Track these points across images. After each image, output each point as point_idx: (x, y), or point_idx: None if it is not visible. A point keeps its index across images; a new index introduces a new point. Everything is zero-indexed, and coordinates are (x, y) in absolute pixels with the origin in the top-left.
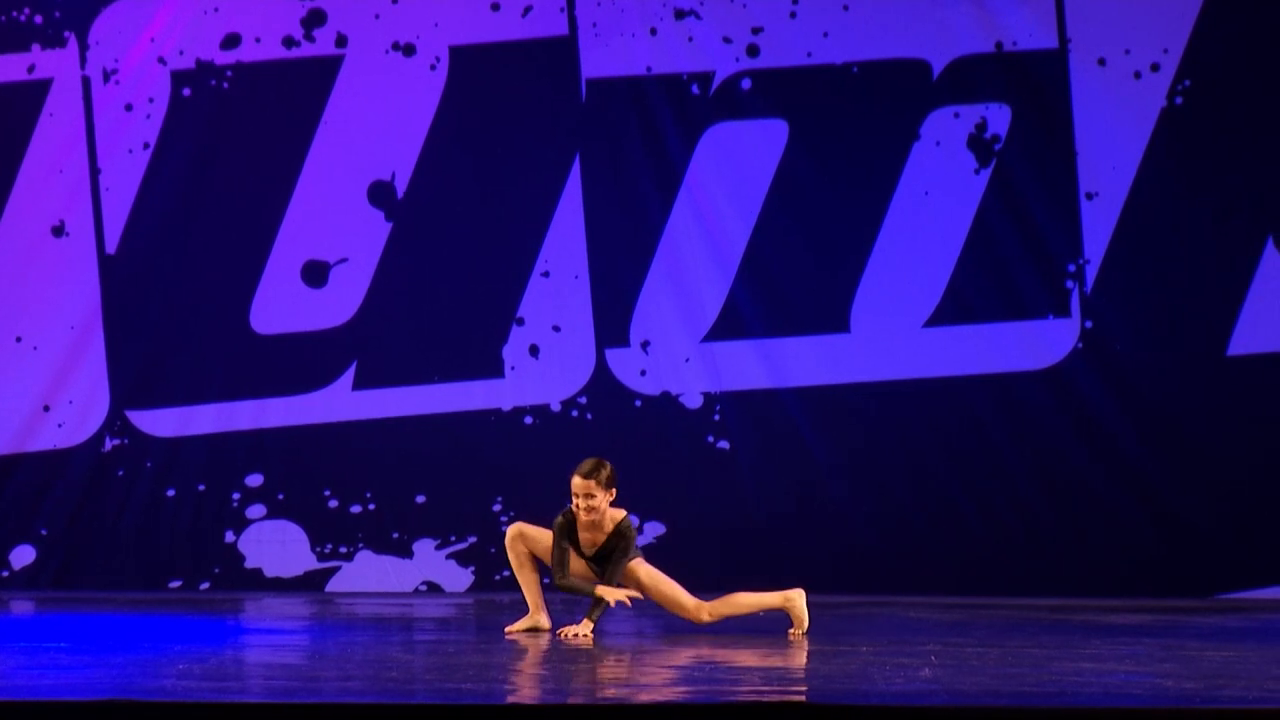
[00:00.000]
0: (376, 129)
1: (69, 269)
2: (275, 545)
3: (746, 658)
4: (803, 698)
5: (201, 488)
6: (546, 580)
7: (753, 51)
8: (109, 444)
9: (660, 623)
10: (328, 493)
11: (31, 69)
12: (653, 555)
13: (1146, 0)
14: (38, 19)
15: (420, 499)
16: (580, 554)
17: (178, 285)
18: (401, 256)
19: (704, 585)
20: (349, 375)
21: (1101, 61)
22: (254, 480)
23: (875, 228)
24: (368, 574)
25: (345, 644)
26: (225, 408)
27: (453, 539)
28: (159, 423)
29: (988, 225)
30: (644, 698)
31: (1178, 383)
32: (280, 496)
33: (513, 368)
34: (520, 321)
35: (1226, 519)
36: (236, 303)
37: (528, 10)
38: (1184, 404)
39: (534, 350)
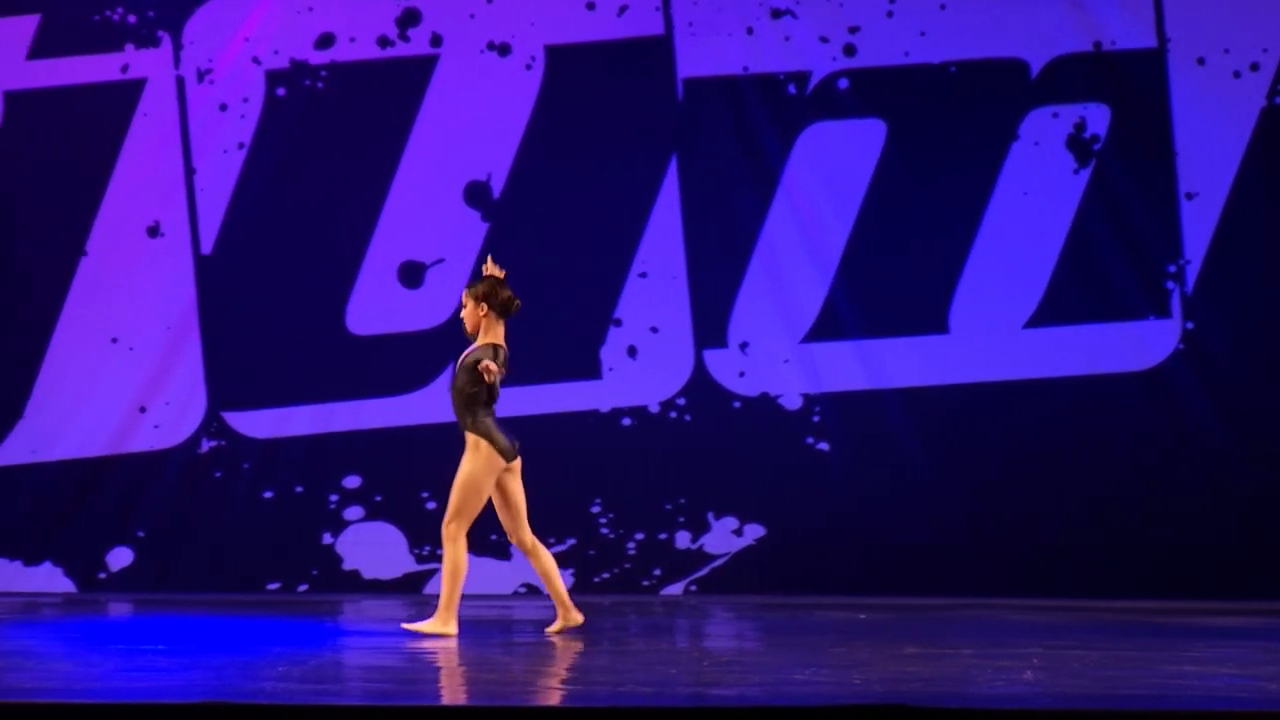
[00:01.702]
0: (472, 129)
1: (164, 270)
2: (373, 547)
3: (848, 660)
4: (906, 701)
5: (299, 489)
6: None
7: (850, 51)
8: (206, 445)
9: (760, 625)
10: (425, 494)
11: (125, 69)
12: (752, 556)
13: None
14: (131, 18)
15: None
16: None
17: (274, 286)
18: (498, 257)
19: (803, 586)
20: (446, 376)
21: (1200, 61)
22: (351, 482)
23: (974, 228)
24: (467, 576)
25: (444, 646)
26: (322, 409)
27: (551, 541)
28: (256, 424)
29: (1087, 226)
30: (750, 700)
31: (1278, 384)
32: (378, 498)
33: (611, 369)
34: (618, 323)
35: None
36: (333, 303)
37: (623, 9)
38: None
39: (632, 351)
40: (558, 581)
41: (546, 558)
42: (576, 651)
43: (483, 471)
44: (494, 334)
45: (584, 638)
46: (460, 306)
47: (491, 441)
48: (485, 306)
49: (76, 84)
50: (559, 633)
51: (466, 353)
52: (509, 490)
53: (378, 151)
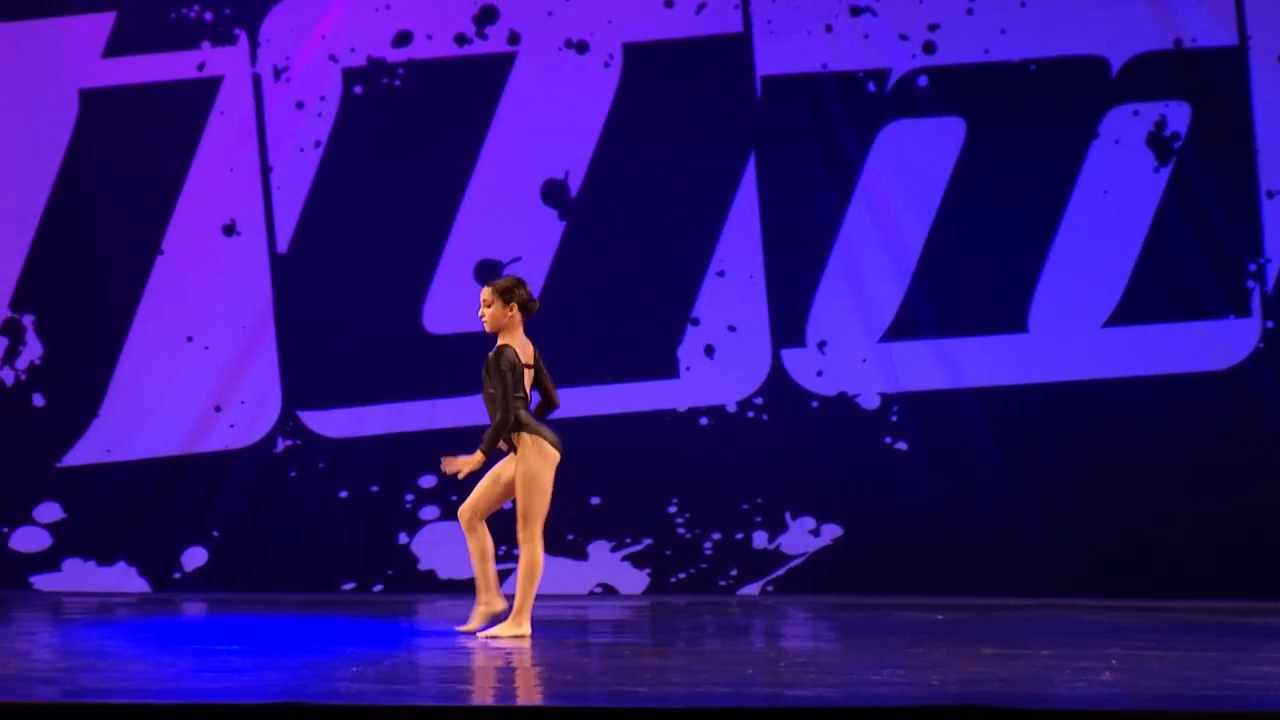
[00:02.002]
0: (549, 127)
1: (240, 268)
2: (449, 547)
3: (925, 661)
4: (983, 701)
5: (374, 489)
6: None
7: (929, 48)
8: (281, 445)
9: (837, 625)
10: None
11: (201, 66)
12: (829, 556)
13: None
14: (208, 16)
15: (595, 500)
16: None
17: (349, 284)
18: (575, 255)
19: (880, 587)
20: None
21: None
22: (427, 482)
23: (1053, 227)
24: (542, 576)
25: (518, 647)
26: (397, 408)
27: (628, 541)
28: (331, 423)
29: (1167, 224)
30: (827, 701)
31: None
32: (454, 498)
33: (688, 368)
34: (695, 321)
35: None
36: (409, 302)
37: (702, 7)
38: None
39: (709, 350)
40: (492, 564)
41: (489, 539)
42: (652, 652)
43: (541, 466)
44: (514, 334)
45: (659, 638)
46: (486, 305)
47: (542, 436)
48: (515, 305)
49: (152, 82)
50: (484, 623)
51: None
52: (508, 481)
53: (455, 150)
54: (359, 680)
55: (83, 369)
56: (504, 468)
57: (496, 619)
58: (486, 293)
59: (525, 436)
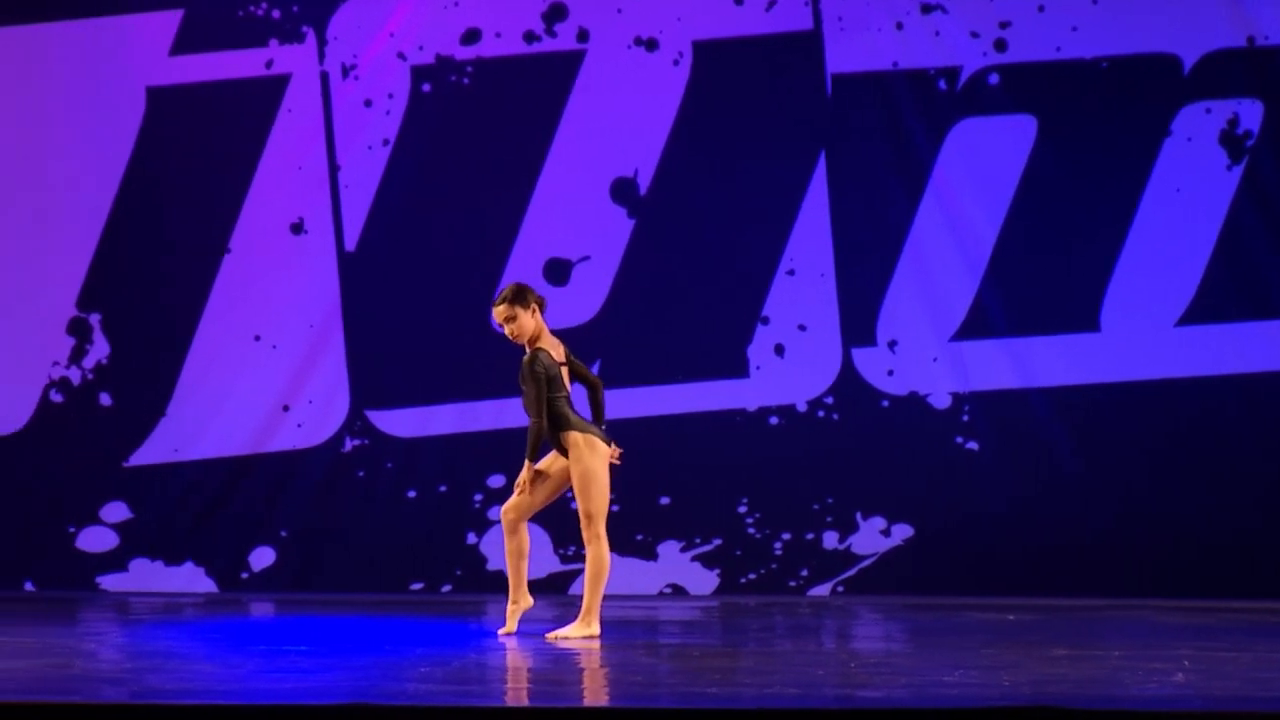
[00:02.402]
0: (619, 125)
1: (308, 267)
2: None
3: (996, 662)
4: (1055, 703)
5: (443, 489)
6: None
7: (1000, 46)
8: (349, 444)
9: (907, 626)
10: (569, 493)
11: (269, 64)
12: (900, 557)
13: None
14: (275, 14)
15: (664, 500)
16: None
17: (418, 283)
18: (644, 254)
19: (951, 587)
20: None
21: None
22: (496, 481)
23: (1125, 225)
24: (611, 576)
25: (587, 648)
26: (466, 408)
27: (697, 541)
28: (399, 423)
29: (1240, 222)
30: (897, 702)
31: None
32: None
33: (758, 367)
34: (765, 320)
35: None
36: (478, 301)
37: (772, 4)
38: None
39: (779, 350)
40: (526, 563)
41: (527, 540)
42: (722, 653)
43: (597, 463)
44: (543, 336)
45: (729, 639)
46: (509, 320)
47: (590, 433)
48: (536, 308)
49: (219, 80)
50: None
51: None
52: (561, 479)
53: (523, 148)
54: (427, 681)
55: (150, 368)
56: (547, 468)
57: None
58: (502, 309)
59: (575, 435)
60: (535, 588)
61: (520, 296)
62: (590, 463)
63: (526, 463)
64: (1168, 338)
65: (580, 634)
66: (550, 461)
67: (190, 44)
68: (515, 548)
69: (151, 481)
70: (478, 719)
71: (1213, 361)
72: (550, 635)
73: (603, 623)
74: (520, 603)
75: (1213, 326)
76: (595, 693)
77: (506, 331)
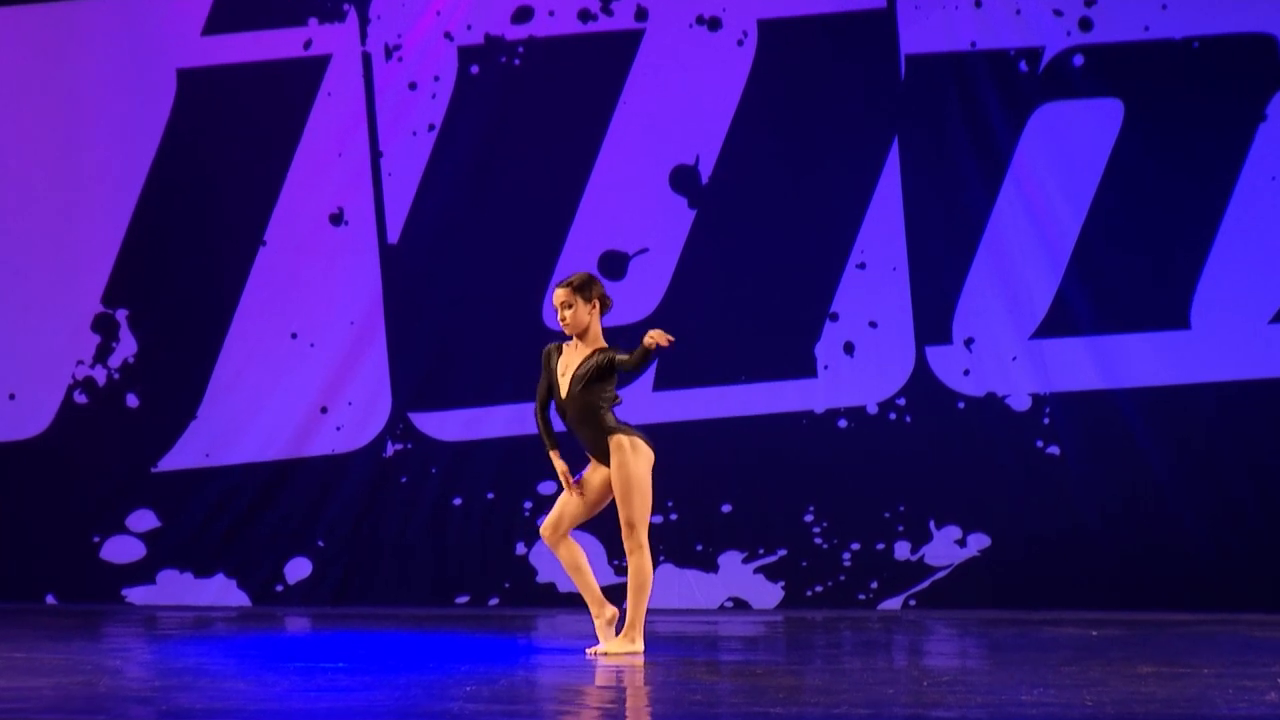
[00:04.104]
0: (679, 109)
1: (348, 260)
2: None
3: (1078, 680)
4: None
5: (490, 496)
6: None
7: (1085, 25)
8: (391, 449)
9: (984, 641)
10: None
11: (308, 44)
12: (976, 568)
13: None
14: None
15: (726, 508)
16: (559, 384)
17: (465, 277)
18: (706, 247)
19: (1030, 601)
20: (649, 374)
21: None
22: (547, 488)
23: (1217, 216)
24: (669, 589)
25: (645, 664)
26: (516, 410)
27: (761, 551)
28: (445, 426)
29: None
30: None
31: None
32: None
33: (826, 367)
34: (834, 317)
35: None
36: (528, 296)
37: None
38: None
39: (849, 348)
40: (589, 573)
41: (578, 550)
42: (787, 670)
43: (643, 469)
44: (600, 335)
45: (794, 655)
46: (565, 306)
47: (637, 435)
48: (598, 304)
49: (255, 61)
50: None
51: (582, 362)
52: (603, 492)
53: (578, 133)
54: (474, 700)
55: (180, 368)
56: (589, 477)
57: (619, 623)
58: (563, 293)
59: (620, 438)
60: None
61: (586, 288)
62: (635, 466)
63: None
64: (1262, 335)
65: (623, 650)
66: (592, 471)
67: (224, 23)
68: (569, 562)
69: (181, 488)
70: None
71: None
72: (591, 650)
73: (661, 639)
74: (603, 614)
75: None
76: (652, 713)
77: (560, 317)
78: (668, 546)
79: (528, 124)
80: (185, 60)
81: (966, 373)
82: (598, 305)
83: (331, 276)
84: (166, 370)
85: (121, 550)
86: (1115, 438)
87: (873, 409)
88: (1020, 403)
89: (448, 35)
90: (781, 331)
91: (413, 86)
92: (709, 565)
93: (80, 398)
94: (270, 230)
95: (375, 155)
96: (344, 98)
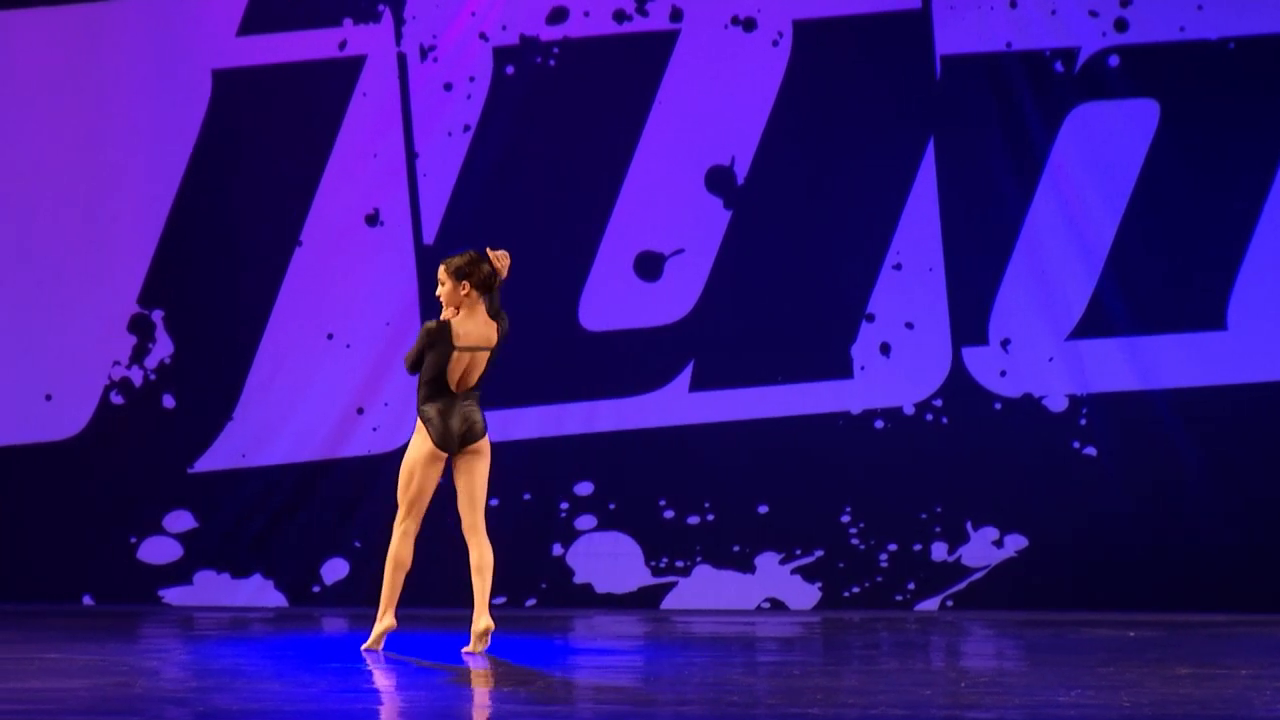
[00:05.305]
0: (714, 110)
1: (384, 260)
2: (606, 559)
3: (1115, 681)
4: None
5: (526, 496)
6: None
7: (1121, 26)
8: None
9: (1021, 643)
10: (663, 502)
11: (343, 45)
12: (1013, 569)
13: None
14: None
15: (763, 509)
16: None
17: None
18: (742, 247)
19: (1067, 602)
20: (685, 375)
21: None
22: (583, 489)
23: (1254, 216)
24: (706, 590)
25: (681, 665)
26: (552, 410)
27: (798, 552)
28: None
29: None
30: None
31: None
32: (611, 506)
33: (862, 367)
34: (870, 318)
35: None
36: (564, 297)
37: None
38: None
39: (885, 349)
40: (482, 587)
41: (484, 575)
42: (824, 671)
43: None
44: (464, 312)
45: (831, 657)
46: (439, 283)
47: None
48: (467, 284)
49: (290, 62)
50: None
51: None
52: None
53: (613, 134)
54: (510, 701)
55: (216, 368)
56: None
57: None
58: (440, 271)
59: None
60: (624, 603)
61: (465, 272)
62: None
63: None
64: None
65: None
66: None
67: (258, 23)
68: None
69: (218, 489)
70: None
71: None
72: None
73: (686, 639)
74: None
75: None
76: (689, 714)
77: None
78: (704, 547)
79: (563, 125)
80: (220, 61)
81: (1003, 374)
82: (469, 287)
83: (367, 277)
84: (203, 371)
85: (158, 551)
86: (1152, 439)
87: (909, 410)
88: (1057, 404)
89: (483, 36)
90: (818, 332)
91: (448, 87)
92: (746, 566)
93: (116, 398)
94: (306, 231)
95: (410, 156)
96: (379, 98)
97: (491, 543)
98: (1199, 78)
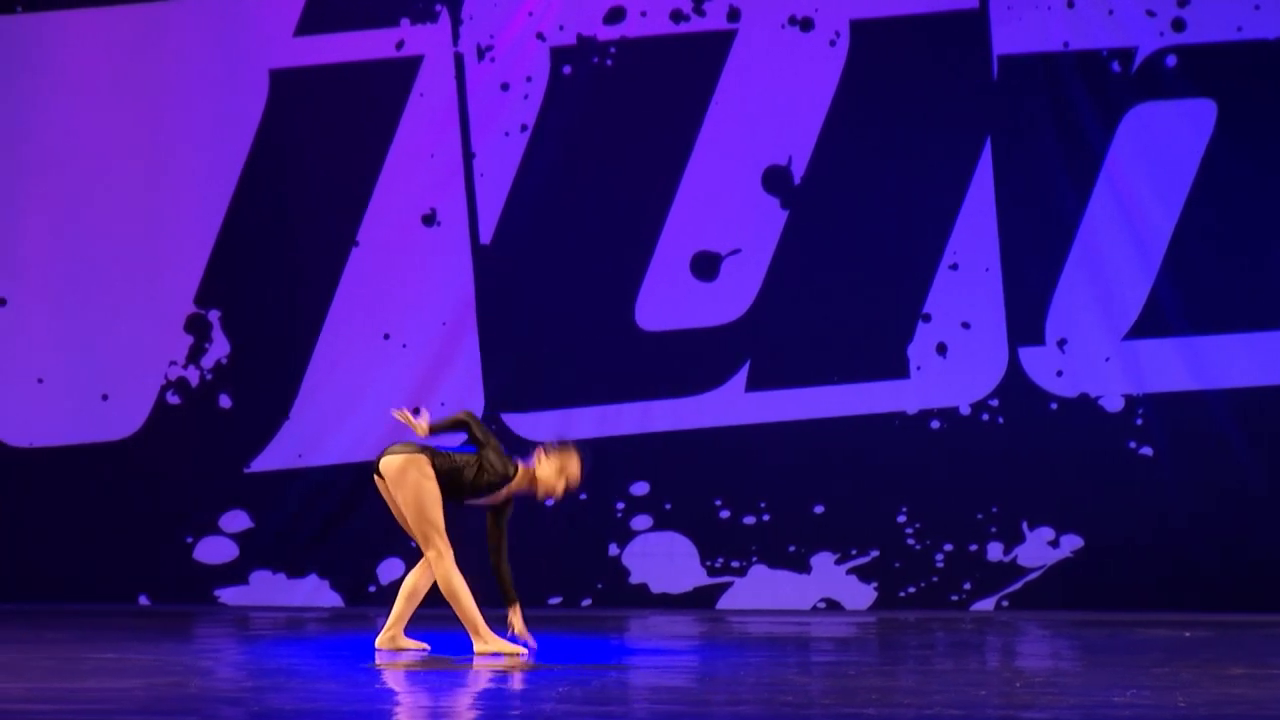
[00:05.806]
0: (771, 109)
1: (440, 260)
2: (662, 559)
3: (1171, 681)
4: None
5: (582, 496)
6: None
7: (1178, 26)
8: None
9: (1076, 643)
10: (719, 502)
11: (400, 45)
12: (1069, 569)
13: None
14: None
15: (818, 509)
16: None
17: (557, 278)
18: (798, 247)
19: (1123, 602)
20: (742, 375)
21: None
22: (639, 489)
23: None
24: (762, 590)
25: (737, 665)
26: (608, 410)
27: (853, 553)
28: (536, 426)
29: None
30: None
31: None
32: (667, 506)
33: (919, 368)
34: (927, 318)
35: None
36: (620, 297)
37: None
38: None
39: (941, 349)
40: (469, 607)
41: (461, 598)
42: (879, 671)
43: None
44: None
45: (886, 657)
46: None
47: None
48: (560, 489)
49: (347, 62)
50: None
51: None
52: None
53: (670, 134)
54: (566, 701)
55: (273, 368)
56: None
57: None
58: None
59: None
60: (680, 603)
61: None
62: None
63: None
64: None
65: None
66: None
67: (316, 23)
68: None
69: (274, 489)
70: None
71: None
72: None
73: (741, 639)
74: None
75: None
76: (745, 714)
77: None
78: (760, 547)
79: (620, 124)
80: (277, 61)
81: (1059, 374)
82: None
83: (424, 277)
84: (259, 371)
85: (214, 551)
86: (1208, 439)
87: (965, 410)
88: (1113, 404)
89: (540, 36)
90: (874, 332)
91: (505, 87)
92: (801, 566)
93: (173, 398)
94: (363, 231)
95: (467, 156)
96: (436, 98)
97: (548, 543)
98: (1256, 77)
